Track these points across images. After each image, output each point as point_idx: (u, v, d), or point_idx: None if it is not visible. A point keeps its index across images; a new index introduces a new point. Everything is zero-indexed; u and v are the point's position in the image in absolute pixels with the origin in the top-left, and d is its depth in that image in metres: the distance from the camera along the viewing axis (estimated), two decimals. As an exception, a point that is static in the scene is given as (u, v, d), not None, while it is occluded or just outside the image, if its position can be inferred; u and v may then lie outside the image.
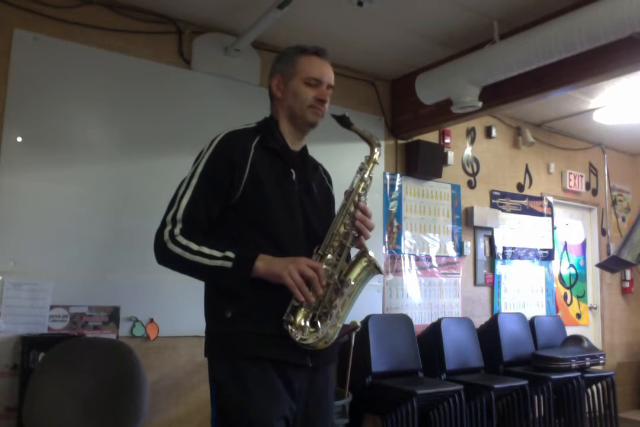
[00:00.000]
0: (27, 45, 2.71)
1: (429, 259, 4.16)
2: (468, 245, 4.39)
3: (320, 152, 1.83)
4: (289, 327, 1.42)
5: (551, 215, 5.08)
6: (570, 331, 4.74)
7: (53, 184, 2.73)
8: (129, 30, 3.01)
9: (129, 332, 2.85)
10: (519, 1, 2.93)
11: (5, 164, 2.61)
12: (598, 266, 4.61)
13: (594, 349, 4.36)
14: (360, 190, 1.56)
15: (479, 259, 4.45)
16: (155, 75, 3.07)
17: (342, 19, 3.12)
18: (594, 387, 4.25)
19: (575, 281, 5.34)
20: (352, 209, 1.54)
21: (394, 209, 4.01)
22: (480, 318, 4.35)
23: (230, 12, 3.07)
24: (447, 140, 4.35)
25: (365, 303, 3.67)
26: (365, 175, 1.58)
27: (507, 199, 4.76)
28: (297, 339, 1.41)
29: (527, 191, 4.94)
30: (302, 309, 1.44)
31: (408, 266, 4.03)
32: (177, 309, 2.95)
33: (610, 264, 3.86)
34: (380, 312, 3.82)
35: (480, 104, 3.26)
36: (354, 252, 1.56)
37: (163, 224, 1.47)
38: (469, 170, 4.54)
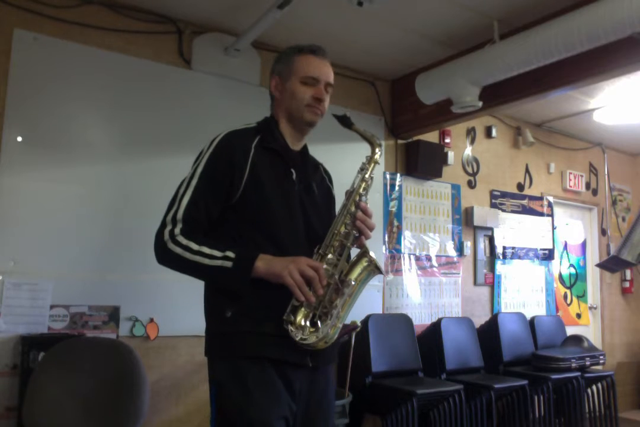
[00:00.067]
0: (27, 45, 2.71)
1: (429, 258, 4.16)
2: (468, 245, 4.39)
3: (320, 152, 1.83)
4: (289, 326, 1.42)
5: (551, 215, 5.08)
6: (570, 330, 4.74)
7: (53, 184, 2.73)
8: (129, 30, 3.01)
9: (129, 332, 2.85)
10: (519, 1, 2.93)
11: (5, 164, 2.61)
12: (598, 265, 4.62)
13: (594, 349, 4.36)
14: (361, 190, 1.56)
15: (479, 259, 4.45)
16: (155, 75, 3.07)
17: (342, 19, 3.12)
18: (594, 387, 4.25)
19: (575, 281, 5.34)
20: (353, 209, 1.54)
21: (394, 209, 4.01)
22: (480, 318, 4.35)
23: (230, 12, 3.07)
24: (447, 140, 4.35)
25: (365, 303, 3.67)
26: (367, 175, 1.58)
27: (507, 199, 4.76)
28: (297, 338, 1.41)
29: (527, 191, 4.94)
30: (303, 309, 1.43)
31: (408, 265, 4.03)
32: (177, 308, 2.95)
33: (610, 264, 3.86)
34: (380, 312, 3.83)
35: (480, 104, 3.26)
36: (354, 252, 1.56)
37: (163, 224, 1.47)
38: (469, 170, 4.54)
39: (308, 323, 1.43)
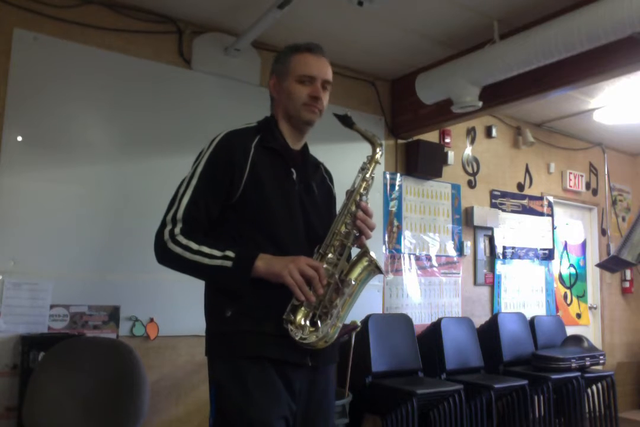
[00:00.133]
0: (27, 45, 2.71)
1: (429, 258, 4.16)
2: (468, 245, 4.39)
3: (321, 152, 1.83)
4: (289, 326, 1.42)
5: (551, 215, 5.08)
6: (570, 330, 4.74)
7: (53, 184, 2.73)
8: (129, 30, 3.01)
9: (129, 332, 2.85)
10: (519, 1, 2.93)
11: (5, 164, 2.61)
12: (598, 265, 4.62)
13: (594, 349, 4.36)
14: (361, 190, 1.56)
15: (479, 259, 4.45)
16: (155, 75, 3.07)
17: (342, 19, 3.12)
18: (594, 387, 4.25)
19: (575, 281, 5.34)
20: (353, 208, 1.54)
21: (394, 209, 4.01)
22: (480, 318, 4.35)
23: (230, 12, 3.07)
24: (447, 140, 4.35)
25: (365, 303, 3.67)
26: (367, 175, 1.58)
27: (507, 199, 4.76)
28: (297, 338, 1.41)
29: (527, 191, 4.94)
30: (303, 309, 1.43)
31: (408, 265, 4.03)
32: (177, 308, 2.95)
33: (610, 264, 3.86)
34: (380, 312, 3.83)
35: (480, 103, 3.26)
36: (354, 252, 1.56)
37: (163, 224, 1.47)
38: (469, 170, 4.54)
39: (308, 323, 1.43)
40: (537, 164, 5.06)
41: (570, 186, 5.26)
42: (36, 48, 2.73)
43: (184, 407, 2.99)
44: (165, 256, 1.46)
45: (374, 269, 1.52)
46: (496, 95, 3.35)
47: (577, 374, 4.02)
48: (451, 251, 4.30)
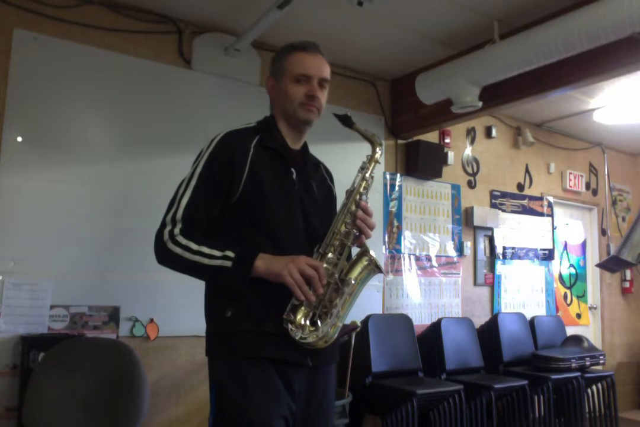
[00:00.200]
0: (27, 45, 2.71)
1: (429, 259, 4.16)
2: (468, 245, 4.39)
3: (321, 152, 1.83)
4: (289, 325, 1.42)
5: (551, 215, 5.08)
6: (570, 331, 4.74)
7: (53, 184, 2.73)
8: (129, 30, 3.01)
9: (129, 332, 2.85)
10: (519, 1, 2.93)
11: (5, 164, 2.61)
12: (598, 265, 4.62)
13: (594, 349, 4.36)
14: (361, 189, 1.56)
15: (479, 259, 4.45)
16: (155, 75, 3.07)
17: (342, 19, 3.12)
18: (594, 387, 4.25)
19: (575, 281, 5.34)
20: (353, 208, 1.54)
21: (394, 209, 4.01)
22: (480, 318, 4.35)
23: (230, 12, 3.07)
24: (447, 140, 4.35)
25: (365, 303, 3.67)
26: (367, 175, 1.58)
27: (507, 199, 4.76)
28: (296, 337, 1.41)
29: (527, 191, 4.94)
30: (302, 308, 1.43)
31: (408, 265, 4.03)
32: (177, 309, 2.95)
33: (610, 264, 3.86)
34: (380, 312, 3.83)
35: (480, 104, 3.26)
36: (354, 251, 1.56)
37: (163, 224, 1.47)
38: (469, 170, 4.54)
39: (308, 322, 1.43)
40: (537, 164, 5.06)
41: (570, 186, 5.26)
42: (36, 48, 2.73)
43: (184, 407, 2.99)
44: (165, 257, 1.46)
45: (374, 268, 1.52)
46: (496, 95, 3.35)
47: (577, 374, 4.01)
48: (451, 251, 4.30)
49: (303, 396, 1.51)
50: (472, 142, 4.58)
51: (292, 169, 1.59)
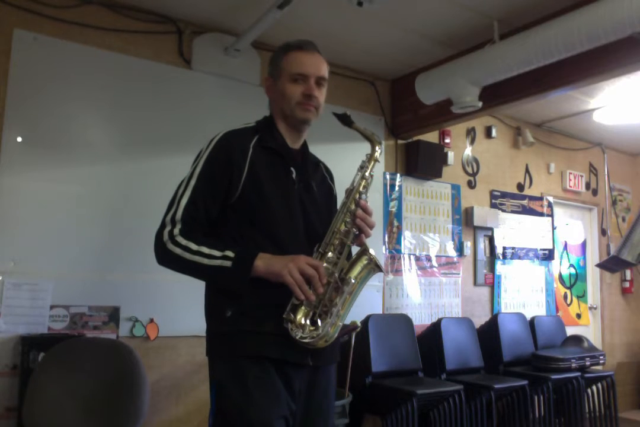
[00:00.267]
0: (27, 45, 2.71)
1: (429, 259, 4.16)
2: (468, 245, 4.39)
3: (321, 152, 1.83)
4: (289, 325, 1.42)
5: (551, 215, 5.08)
6: (570, 331, 4.74)
7: (53, 184, 2.73)
8: (129, 30, 3.01)
9: (129, 332, 2.84)
10: (519, 1, 2.93)
11: (5, 164, 2.61)
12: (598, 266, 4.62)
13: (594, 349, 4.36)
14: (361, 188, 1.56)
15: (479, 259, 4.45)
16: (155, 75, 3.07)
17: (342, 19, 3.12)
18: (594, 387, 4.25)
19: (575, 281, 5.34)
20: (352, 207, 1.53)
21: (394, 209, 4.01)
22: (480, 318, 4.35)
23: (230, 12, 3.07)
24: (447, 140, 4.35)
25: (365, 303, 3.67)
26: (367, 174, 1.57)
27: (507, 199, 4.76)
28: (297, 337, 1.41)
29: (527, 191, 4.94)
30: (303, 308, 1.43)
31: (408, 265, 4.03)
32: (177, 309, 2.95)
33: (610, 264, 3.86)
34: (380, 312, 3.82)
35: (480, 104, 3.26)
36: (354, 250, 1.56)
37: (162, 225, 1.47)
38: (469, 170, 4.54)
39: (308, 322, 1.43)
40: (537, 164, 5.06)
41: (570, 186, 5.26)
42: (36, 48, 2.73)
43: (184, 407, 2.99)
44: (165, 257, 1.46)
45: (374, 267, 1.52)
46: (496, 95, 3.35)
47: (577, 374, 4.01)
48: (451, 251, 4.30)
49: (303, 396, 1.51)
50: (472, 142, 4.58)
51: (292, 169, 1.59)
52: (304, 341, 1.41)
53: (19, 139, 2.66)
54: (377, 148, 1.60)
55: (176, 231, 1.44)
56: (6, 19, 2.68)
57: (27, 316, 2.61)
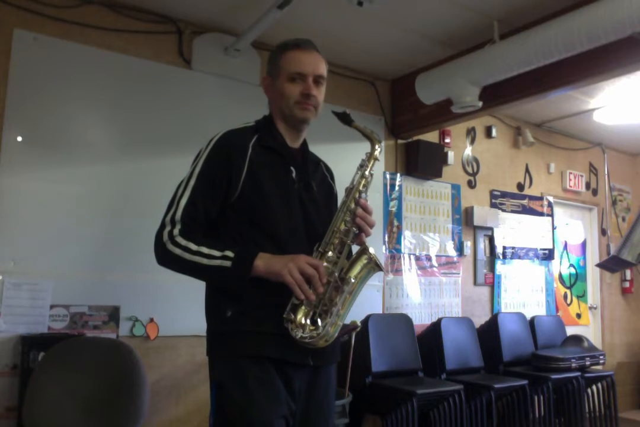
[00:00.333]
0: (27, 45, 2.72)
1: (429, 258, 4.16)
2: (468, 245, 4.39)
3: (321, 152, 1.82)
4: (289, 325, 1.42)
5: (551, 215, 5.08)
6: (570, 330, 4.74)
7: (53, 184, 2.73)
8: (129, 30, 3.01)
9: (129, 332, 2.85)
10: (519, 1, 2.93)
11: (5, 164, 2.61)
12: (598, 265, 4.62)
13: (594, 349, 4.36)
14: (360, 187, 1.55)
15: (479, 259, 4.45)
16: (155, 75, 3.07)
17: (342, 19, 3.12)
18: (594, 387, 4.25)
19: (575, 281, 5.34)
20: (352, 206, 1.53)
21: (394, 209, 4.01)
22: (480, 318, 4.35)
23: (230, 12, 3.07)
24: (447, 140, 4.35)
25: (365, 303, 3.67)
26: (366, 172, 1.57)
27: (507, 199, 4.76)
28: (297, 337, 1.41)
29: (527, 191, 4.94)
30: (303, 307, 1.43)
31: (408, 265, 4.03)
32: (177, 308, 2.95)
33: (610, 264, 3.86)
34: (380, 312, 3.82)
35: (480, 103, 3.26)
36: (354, 250, 1.56)
37: (162, 226, 1.47)
38: (469, 170, 4.54)
39: (308, 321, 1.43)
40: (537, 164, 5.06)
41: (570, 186, 5.26)
42: (36, 48, 2.73)
43: (184, 407, 2.99)
44: (165, 258, 1.46)
45: (374, 266, 1.51)
46: (496, 95, 3.35)
47: (577, 374, 4.01)
48: (451, 251, 4.30)
49: (303, 396, 1.51)
50: (472, 142, 4.58)
51: (292, 168, 1.59)
52: (305, 340, 1.41)
53: (19, 139, 2.66)
54: (376, 146, 1.59)
55: (176, 231, 1.44)
56: (6, 19, 2.68)
57: (27, 316, 2.61)
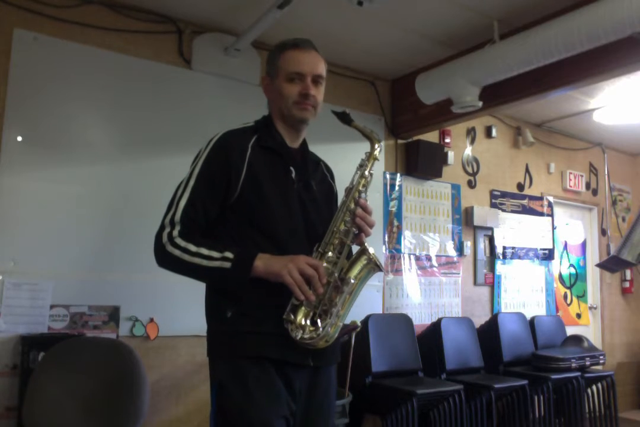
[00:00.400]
0: (27, 45, 2.72)
1: (429, 258, 4.16)
2: (468, 245, 4.39)
3: (321, 151, 1.82)
4: (289, 326, 1.41)
5: (551, 215, 5.08)
6: (570, 330, 4.74)
7: (53, 184, 2.73)
8: (129, 30, 3.01)
9: (129, 332, 2.85)
10: (519, 1, 2.93)
11: (5, 164, 2.61)
12: (598, 265, 4.62)
13: (594, 349, 4.36)
14: (360, 187, 1.55)
15: (479, 259, 4.45)
16: (155, 75, 3.07)
17: (342, 19, 3.12)
18: (594, 387, 4.25)
19: (575, 281, 5.34)
20: (352, 206, 1.53)
21: (394, 209, 4.01)
22: (480, 318, 4.35)
23: (230, 12, 3.07)
24: (447, 140, 4.35)
25: (365, 303, 3.67)
26: (366, 172, 1.56)
27: (507, 199, 4.76)
28: (297, 338, 1.41)
29: (527, 191, 4.94)
30: (302, 308, 1.43)
31: (408, 265, 4.03)
32: (177, 308, 2.95)
33: (610, 264, 3.86)
34: (380, 312, 3.82)
35: (480, 103, 3.26)
36: (354, 250, 1.55)
37: (162, 227, 1.46)
38: (469, 170, 4.54)
39: (308, 322, 1.43)
40: (537, 164, 5.06)
41: (570, 186, 5.26)
42: (36, 48, 2.73)
43: (184, 407, 2.99)
44: (165, 259, 1.45)
45: (374, 266, 1.51)
46: (496, 95, 3.35)
47: (577, 374, 4.01)
48: (451, 251, 4.30)
49: (304, 396, 1.51)
50: (472, 142, 4.58)
51: (291, 168, 1.58)
52: (305, 341, 1.41)
53: (19, 139, 2.66)
54: (376, 146, 1.59)
55: (175, 232, 1.44)
56: (6, 19, 2.68)
57: (27, 316, 2.61)
